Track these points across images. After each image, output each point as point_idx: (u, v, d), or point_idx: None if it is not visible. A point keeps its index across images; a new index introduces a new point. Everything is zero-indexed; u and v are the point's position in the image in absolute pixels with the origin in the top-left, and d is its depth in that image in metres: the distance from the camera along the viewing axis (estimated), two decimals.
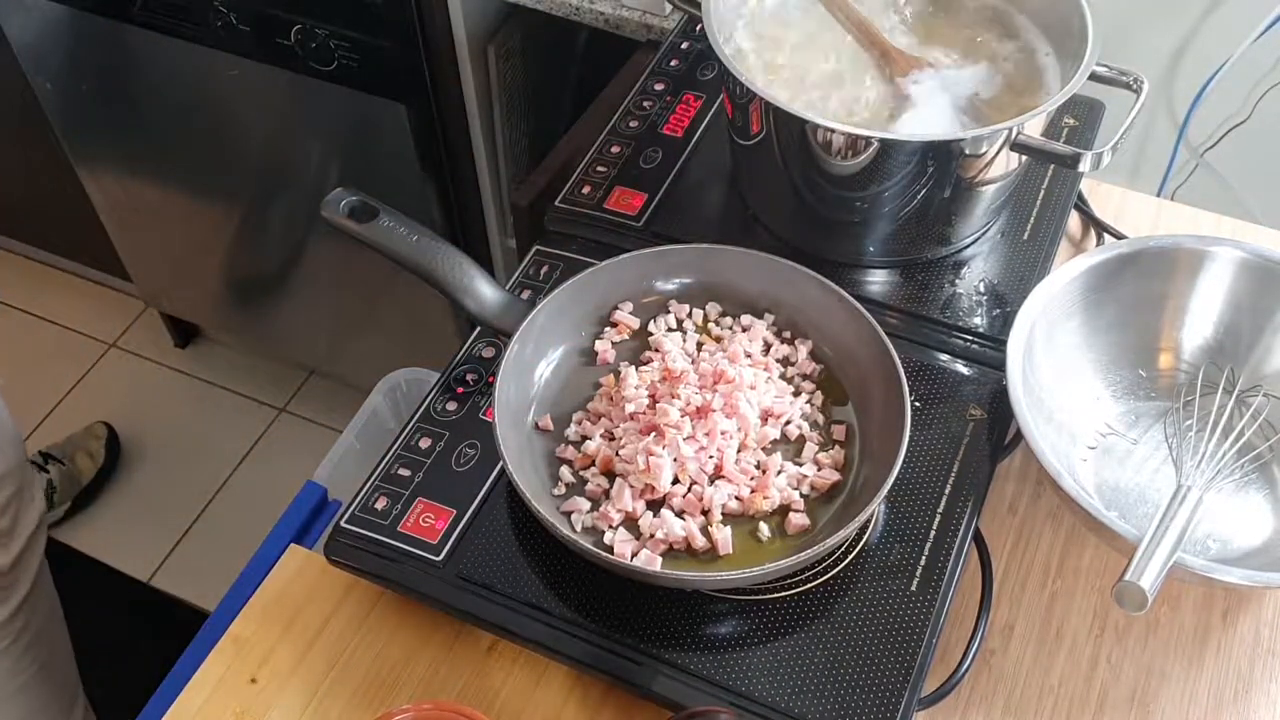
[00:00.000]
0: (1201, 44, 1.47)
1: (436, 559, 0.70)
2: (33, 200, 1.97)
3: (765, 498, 0.71)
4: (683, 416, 0.73)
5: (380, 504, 0.73)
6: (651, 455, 0.71)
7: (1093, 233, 0.95)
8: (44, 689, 1.02)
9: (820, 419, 0.76)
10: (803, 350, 0.78)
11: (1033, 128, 0.78)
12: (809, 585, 0.69)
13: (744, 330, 0.80)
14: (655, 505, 0.71)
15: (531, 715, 0.70)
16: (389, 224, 0.75)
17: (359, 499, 0.73)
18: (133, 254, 1.88)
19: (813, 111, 0.82)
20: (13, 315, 2.15)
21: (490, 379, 0.78)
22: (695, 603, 0.69)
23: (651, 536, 0.69)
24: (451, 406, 0.78)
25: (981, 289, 0.86)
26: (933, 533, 0.71)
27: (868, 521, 0.71)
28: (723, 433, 0.72)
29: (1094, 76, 0.81)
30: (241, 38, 1.35)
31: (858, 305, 0.75)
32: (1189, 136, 1.56)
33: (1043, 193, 0.92)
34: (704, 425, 0.72)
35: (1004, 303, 0.85)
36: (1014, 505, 0.80)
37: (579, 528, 0.70)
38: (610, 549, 0.69)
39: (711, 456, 0.72)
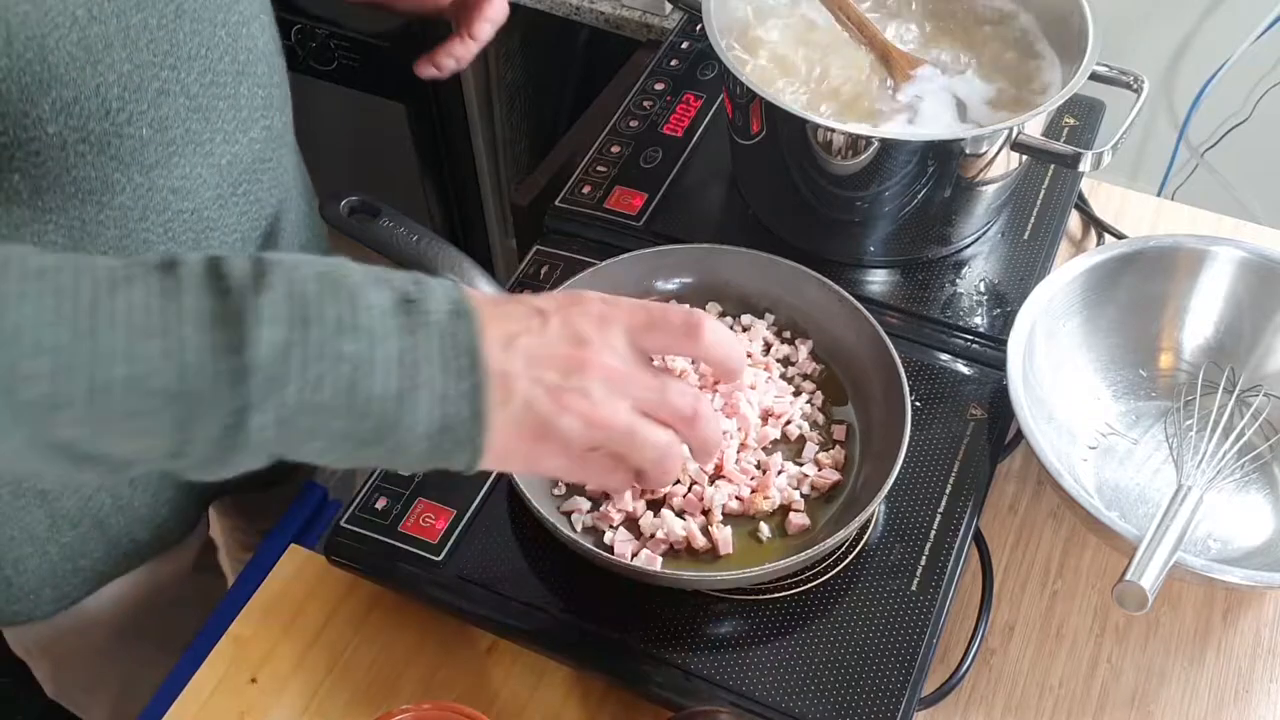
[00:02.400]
0: (1202, 43, 1.48)
1: (436, 559, 0.70)
2: None
3: (766, 498, 0.71)
4: None
5: (380, 504, 0.73)
6: None
7: (1093, 232, 0.95)
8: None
9: (820, 419, 0.76)
10: (803, 350, 0.78)
11: (1033, 127, 0.78)
12: (809, 585, 0.69)
13: (744, 330, 0.80)
14: (655, 505, 0.71)
15: (531, 715, 0.70)
16: (389, 224, 0.75)
17: (359, 499, 0.73)
18: None
19: (813, 111, 0.82)
20: None
21: None
22: (695, 603, 0.69)
23: (652, 536, 0.69)
24: None
25: (982, 289, 0.86)
26: (933, 532, 0.71)
27: (868, 521, 0.71)
28: (723, 433, 0.72)
29: (1094, 76, 0.81)
30: None
31: (858, 305, 0.75)
32: (1189, 136, 1.56)
33: (1043, 192, 0.92)
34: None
35: (1004, 302, 0.85)
36: (1014, 505, 0.80)
37: (579, 528, 0.70)
38: (610, 549, 0.69)
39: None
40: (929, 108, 0.83)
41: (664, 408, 0.52)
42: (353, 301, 0.46)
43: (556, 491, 0.72)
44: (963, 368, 0.81)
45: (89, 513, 0.76)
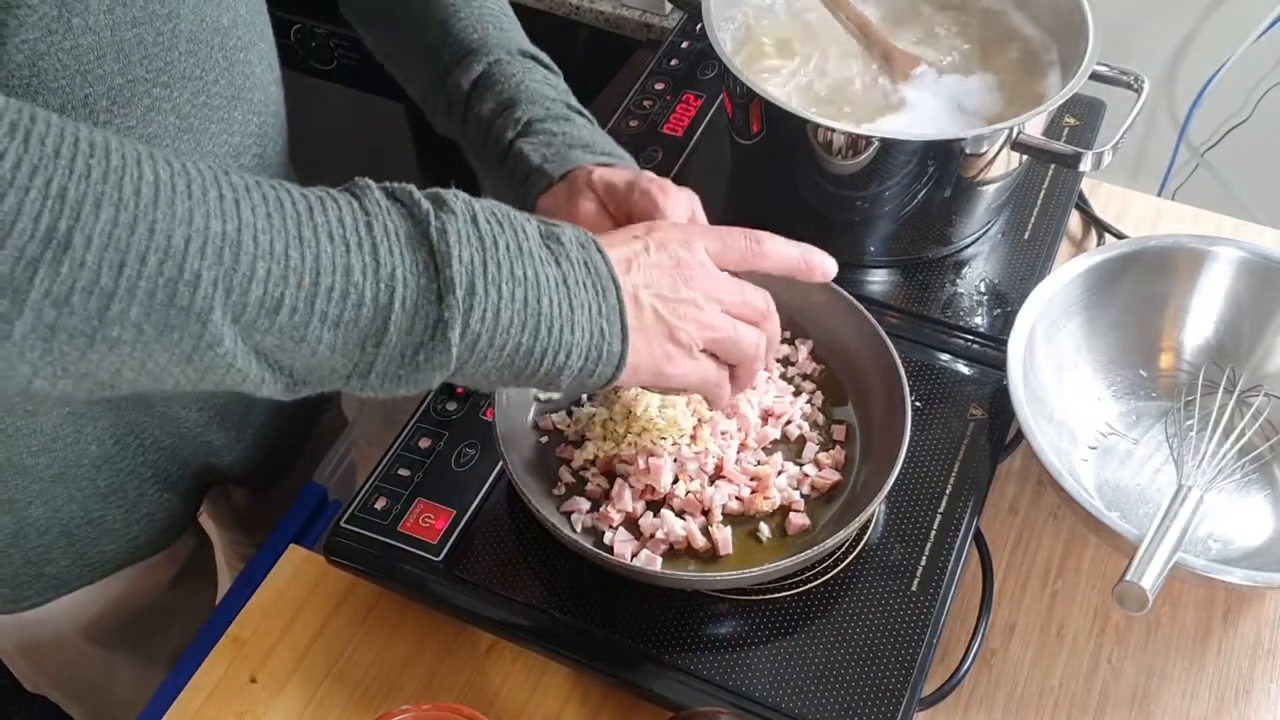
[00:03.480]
0: (1202, 43, 1.47)
1: (436, 559, 0.70)
2: None
3: (766, 498, 0.70)
4: None
5: (380, 504, 0.72)
6: (651, 456, 0.70)
7: (1093, 232, 0.95)
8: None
9: (821, 419, 0.76)
10: (803, 350, 0.78)
11: (1033, 127, 0.78)
12: (809, 585, 0.69)
13: None
14: (655, 505, 0.71)
15: (531, 715, 0.70)
16: None
17: (359, 499, 0.73)
18: None
19: (813, 111, 0.82)
20: None
21: None
22: (695, 603, 0.69)
23: (652, 537, 0.69)
24: (451, 406, 0.78)
25: (982, 289, 0.86)
26: (933, 533, 0.71)
27: (868, 522, 0.71)
28: (723, 433, 0.72)
29: (1095, 76, 0.81)
30: None
31: (858, 305, 0.75)
32: (1190, 136, 1.56)
33: (1043, 192, 0.92)
34: (704, 425, 0.72)
35: (1005, 302, 0.85)
36: (1015, 505, 0.80)
37: (579, 528, 0.70)
38: (610, 549, 0.69)
39: (712, 457, 0.72)
40: (929, 107, 0.83)
41: (746, 306, 0.60)
42: (516, 231, 0.51)
43: (556, 492, 0.72)
44: (963, 368, 0.81)
45: (58, 523, 0.76)
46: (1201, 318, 0.82)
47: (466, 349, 0.50)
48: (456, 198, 0.51)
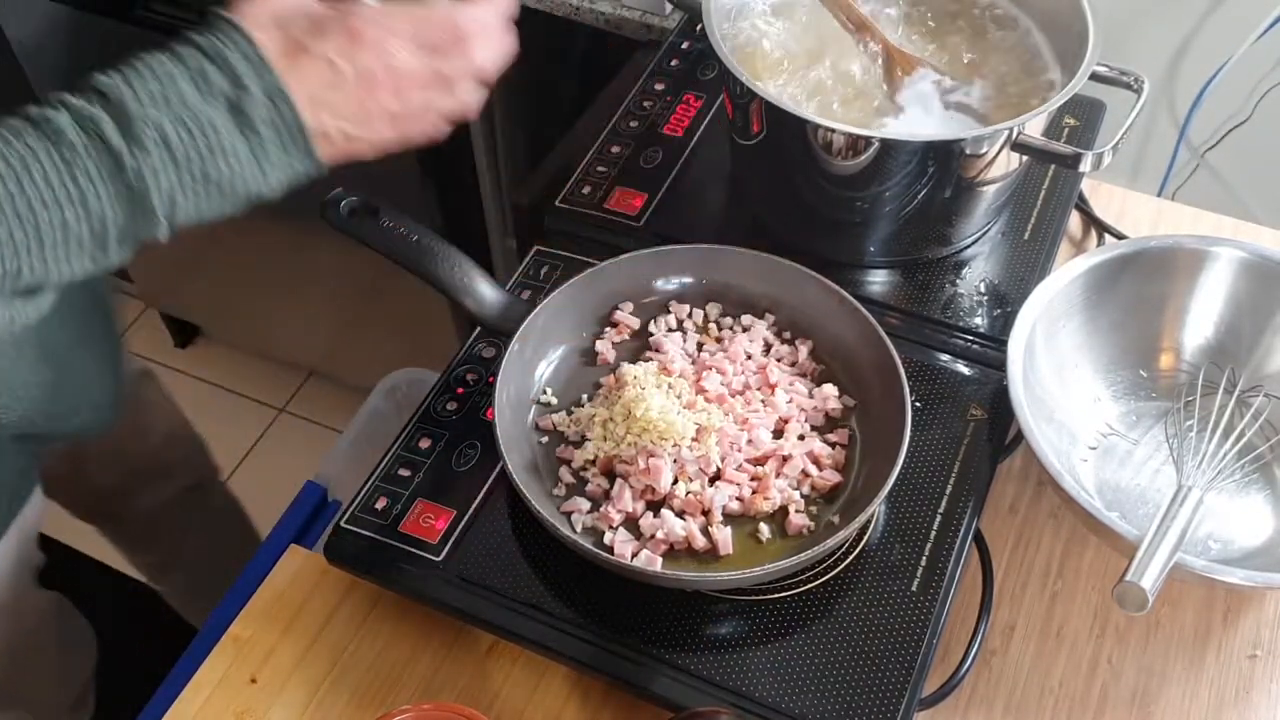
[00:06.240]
0: (1202, 43, 1.47)
1: (436, 559, 0.70)
2: None
3: (766, 498, 0.71)
4: None
5: (380, 504, 0.72)
6: (651, 457, 0.70)
7: (1094, 233, 0.95)
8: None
9: (821, 419, 0.76)
10: (803, 350, 0.78)
11: (1033, 128, 0.78)
12: (809, 585, 0.69)
13: (744, 330, 0.80)
14: (655, 506, 0.71)
15: (531, 715, 0.70)
16: (389, 224, 0.75)
17: (359, 499, 0.73)
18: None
19: (813, 111, 0.82)
20: None
21: (490, 379, 0.78)
22: (695, 603, 0.69)
23: (652, 537, 0.69)
24: (451, 406, 0.78)
25: (982, 289, 0.86)
26: (933, 533, 0.71)
27: (868, 522, 0.71)
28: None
29: (1095, 76, 0.81)
30: None
31: (858, 305, 0.75)
32: (1190, 136, 1.56)
33: (1043, 193, 0.92)
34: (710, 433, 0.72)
35: (1005, 303, 0.85)
36: (1015, 506, 0.80)
37: (579, 528, 0.70)
38: (610, 549, 0.69)
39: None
40: (930, 108, 0.83)
41: (434, 43, 0.62)
42: (205, 132, 0.56)
43: (557, 492, 0.72)
44: (963, 368, 0.81)
45: None
46: (1201, 318, 0.82)
47: (167, 210, 0.57)
48: (146, 124, 0.55)
